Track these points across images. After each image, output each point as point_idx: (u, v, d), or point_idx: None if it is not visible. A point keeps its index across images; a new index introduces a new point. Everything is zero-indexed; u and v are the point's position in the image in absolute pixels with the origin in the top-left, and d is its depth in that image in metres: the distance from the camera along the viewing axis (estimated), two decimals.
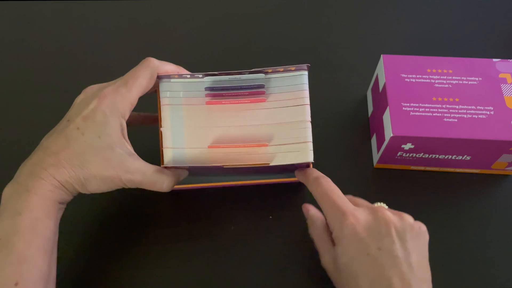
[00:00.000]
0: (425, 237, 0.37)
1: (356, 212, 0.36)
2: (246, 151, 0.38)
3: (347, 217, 0.36)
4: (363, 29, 0.62)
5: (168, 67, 0.39)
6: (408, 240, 0.35)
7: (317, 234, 0.40)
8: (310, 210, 0.42)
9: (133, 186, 0.38)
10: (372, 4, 0.66)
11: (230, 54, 0.60)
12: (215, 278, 0.43)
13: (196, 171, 0.39)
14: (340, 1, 0.66)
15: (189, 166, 0.37)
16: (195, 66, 0.58)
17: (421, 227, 0.37)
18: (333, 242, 0.38)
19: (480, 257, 0.45)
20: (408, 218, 0.37)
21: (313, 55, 0.60)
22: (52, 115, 0.52)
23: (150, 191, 0.45)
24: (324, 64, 0.59)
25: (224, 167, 0.37)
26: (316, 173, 0.40)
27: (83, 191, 0.38)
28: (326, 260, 0.38)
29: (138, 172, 0.37)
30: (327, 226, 0.39)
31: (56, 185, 0.36)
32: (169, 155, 0.38)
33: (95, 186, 0.37)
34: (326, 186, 0.38)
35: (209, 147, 0.38)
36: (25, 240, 0.34)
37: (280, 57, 0.59)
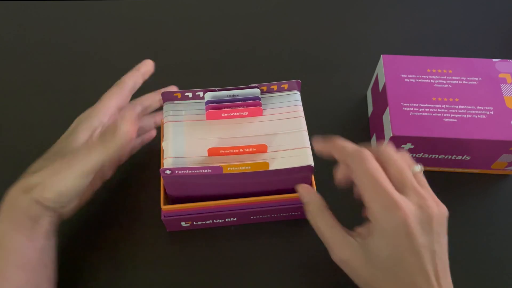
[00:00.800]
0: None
1: (406, 204, 0.34)
2: (246, 158, 0.39)
3: (399, 209, 0.33)
4: (363, 29, 0.62)
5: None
6: (441, 233, 0.35)
7: (327, 225, 0.36)
8: (311, 195, 0.39)
9: (100, 157, 0.37)
10: (372, 4, 0.66)
11: (230, 54, 0.60)
12: (214, 278, 0.43)
13: (194, 181, 0.39)
14: (340, 1, 0.66)
15: (189, 171, 0.37)
16: (195, 66, 0.58)
17: (447, 214, 0.36)
18: (352, 233, 0.36)
19: (480, 257, 0.45)
20: (445, 209, 0.36)
21: (313, 55, 0.60)
22: (52, 115, 0.53)
23: (148, 191, 0.46)
24: (325, 64, 0.59)
25: (224, 170, 0.37)
26: (353, 145, 0.37)
27: (50, 195, 0.36)
28: (346, 255, 0.35)
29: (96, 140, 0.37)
30: (334, 216, 0.37)
31: (23, 189, 0.36)
32: (169, 162, 0.38)
33: (62, 182, 0.36)
34: (372, 165, 0.35)
35: (209, 149, 0.38)
36: None
37: (280, 57, 0.59)
